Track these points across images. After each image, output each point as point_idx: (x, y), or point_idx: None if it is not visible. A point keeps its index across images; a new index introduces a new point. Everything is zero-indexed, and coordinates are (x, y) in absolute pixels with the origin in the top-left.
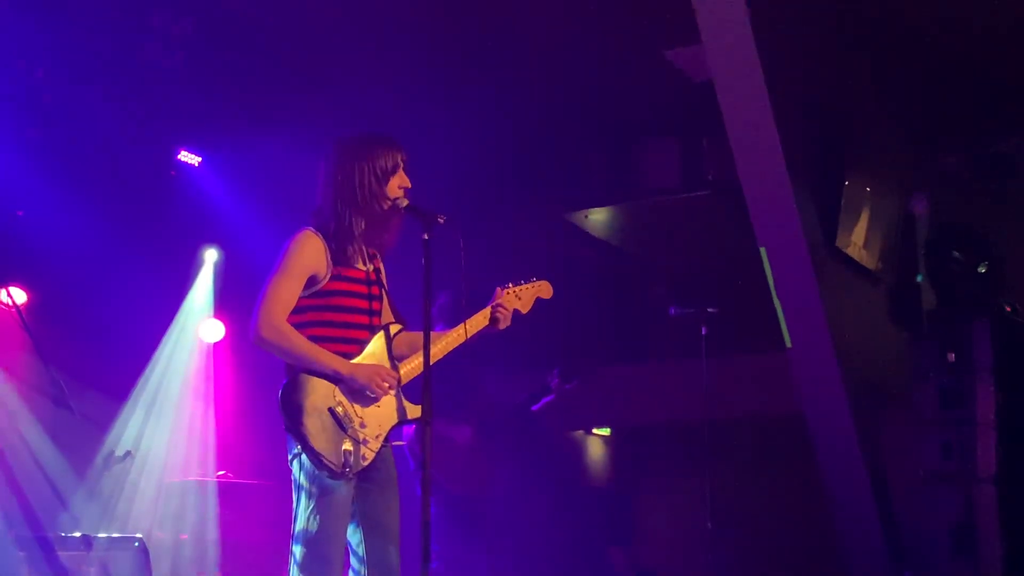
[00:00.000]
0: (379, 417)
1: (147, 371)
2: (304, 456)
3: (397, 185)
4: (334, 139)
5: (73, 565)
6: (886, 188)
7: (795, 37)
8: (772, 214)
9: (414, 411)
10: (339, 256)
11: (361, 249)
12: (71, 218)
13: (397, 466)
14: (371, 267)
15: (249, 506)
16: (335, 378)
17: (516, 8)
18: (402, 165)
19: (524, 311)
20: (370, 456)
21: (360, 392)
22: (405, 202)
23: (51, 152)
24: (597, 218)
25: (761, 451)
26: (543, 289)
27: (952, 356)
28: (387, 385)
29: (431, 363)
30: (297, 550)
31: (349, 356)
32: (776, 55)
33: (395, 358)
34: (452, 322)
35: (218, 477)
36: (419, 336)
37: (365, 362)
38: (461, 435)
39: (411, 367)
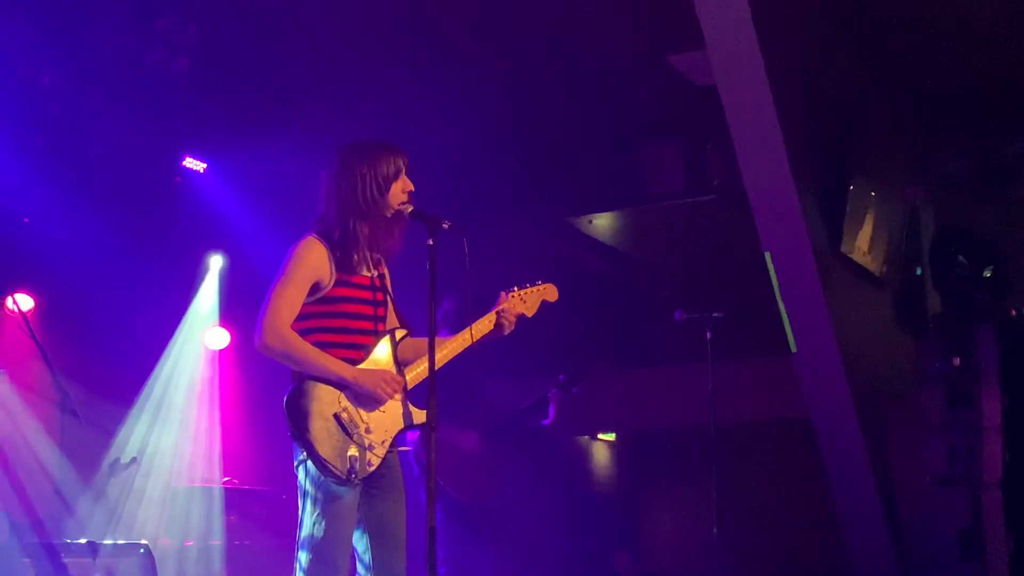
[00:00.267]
0: (385, 422)
1: (153, 377)
2: (310, 462)
3: (400, 190)
4: (335, 147)
5: (79, 571)
6: (891, 192)
7: (799, 41)
8: (777, 219)
9: (420, 416)
10: (343, 263)
11: (365, 255)
12: (77, 224)
13: (402, 471)
14: (375, 273)
15: (255, 512)
16: (340, 384)
17: (519, 14)
18: (404, 169)
19: (529, 315)
20: (376, 462)
21: (365, 398)
22: (410, 208)
23: (57, 158)
24: (601, 223)
25: (767, 456)
26: (548, 292)
27: (957, 360)
28: (392, 390)
29: (436, 368)
30: (303, 556)
31: (354, 362)
32: (780, 59)
33: (400, 363)
34: (456, 328)
35: (224, 483)
36: (424, 342)
37: (370, 368)
38: (467, 441)
39: (417, 372)
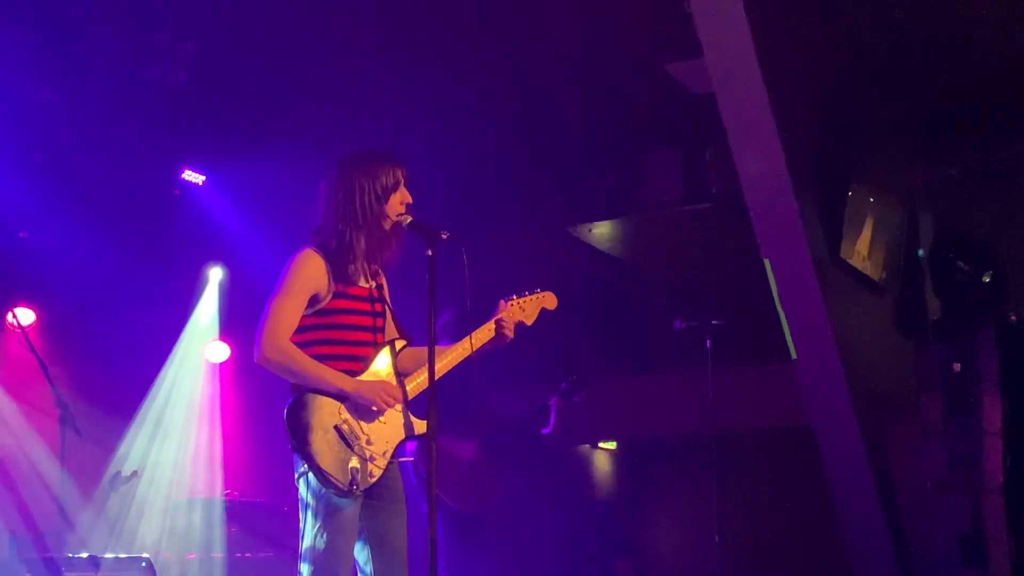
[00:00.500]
0: (386, 433)
1: (153, 390)
2: (311, 474)
3: (399, 201)
4: (334, 157)
5: None
6: (890, 198)
7: (796, 48)
8: (775, 225)
9: (421, 427)
10: (340, 274)
11: (363, 266)
12: (76, 238)
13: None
14: (374, 284)
15: (256, 525)
16: (340, 396)
17: (518, 22)
18: (403, 181)
19: (529, 323)
20: (377, 473)
21: (366, 409)
22: (408, 219)
23: (56, 172)
24: (600, 231)
25: (768, 462)
26: (548, 300)
27: (958, 365)
28: (392, 401)
29: (436, 378)
30: (304, 568)
31: (354, 373)
32: (777, 66)
33: (400, 374)
34: (456, 338)
35: (225, 496)
36: (424, 351)
37: (370, 379)
38: (464, 451)
39: (417, 383)
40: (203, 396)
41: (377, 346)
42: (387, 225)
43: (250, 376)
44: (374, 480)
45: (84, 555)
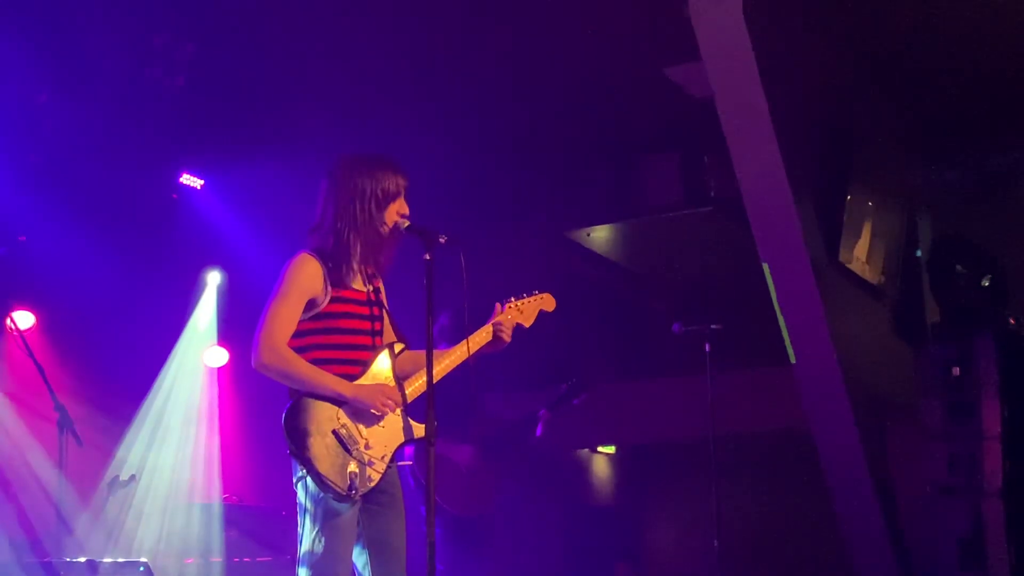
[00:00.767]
0: (384, 437)
1: (151, 394)
2: (309, 479)
3: (396, 211)
4: (339, 156)
5: None
6: (888, 202)
7: (795, 53)
8: (774, 230)
9: (420, 430)
10: (337, 277)
11: (360, 269)
12: (75, 242)
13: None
14: (371, 287)
15: (254, 529)
16: (338, 400)
17: (516, 26)
18: (403, 192)
19: (527, 325)
20: (376, 477)
21: (364, 413)
22: (406, 223)
23: (54, 176)
24: (599, 236)
25: (767, 467)
26: (546, 302)
27: (957, 370)
28: (391, 405)
29: (434, 382)
30: (303, 572)
31: (352, 377)
32: (776, 70)
33: (399, 377)
34: (454, 342)
35: (223, 500)
36: (422, 355)
37: (368, 383)
38: (461, 455)
39: (416, 386)
40: (201, 400)
41: (375, 350)
42: (384, 230)
43: (248, 380)
44: (373, 484)
45: (82, 559)
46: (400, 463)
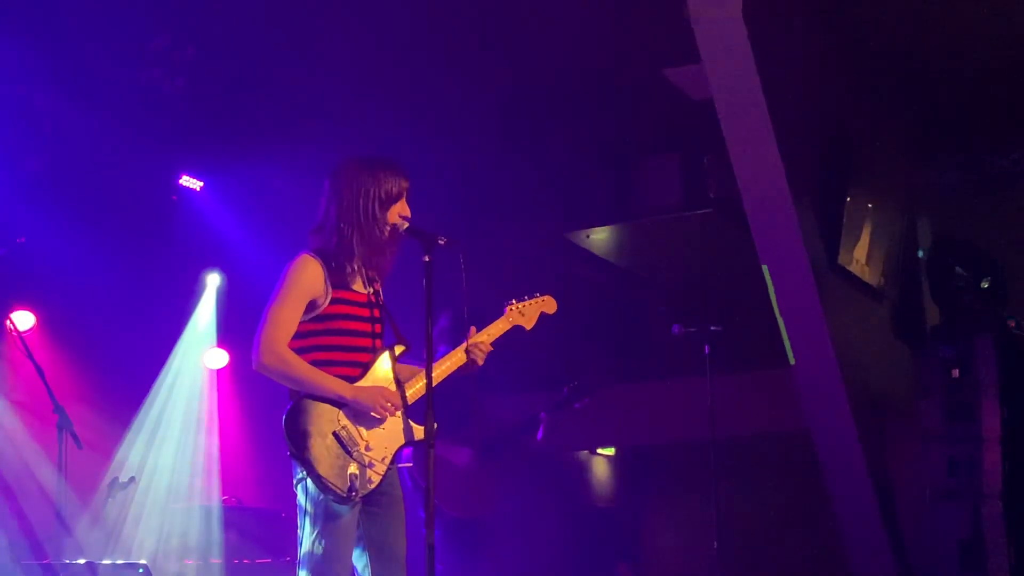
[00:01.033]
0: (385, 439)
1: (151, 396)
2: (309, 481)
3: (397, 212)
4: (343, 157)
5: None
6: (888, 204)
7: (795, 55)
8: (774, 231)
9: (420, 432)
10: (338, 278)
11: (361, 271)
12: (74, 244)
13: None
14: (371, 289)
15: (254, 531)
16: (339, 402)
17: (516, 28)
18: (405, 194)
19: (528, 327)
20: (376, 479)
21: (365, 415)
22: (406, 225)
23: (54, 177)
24: (599, 237)
25: (766, 468)
26: (547, 304)
27: (956, 372)
28: (392, 407)
29: (433, 386)
30: (302, 575)
31: (353, 379)
32: (776, 72)
33: (400, 379)
34: (453, 344)
35: (223, 502)
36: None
37: (368, 384)
38: (459, 458)
39: (416, 388)
40: (201, 402)
41: (376, 351)
42: (385, 232)
43: (248, 382)
44: (373, 486)
45: (81, 561)
46: (400, 465)
